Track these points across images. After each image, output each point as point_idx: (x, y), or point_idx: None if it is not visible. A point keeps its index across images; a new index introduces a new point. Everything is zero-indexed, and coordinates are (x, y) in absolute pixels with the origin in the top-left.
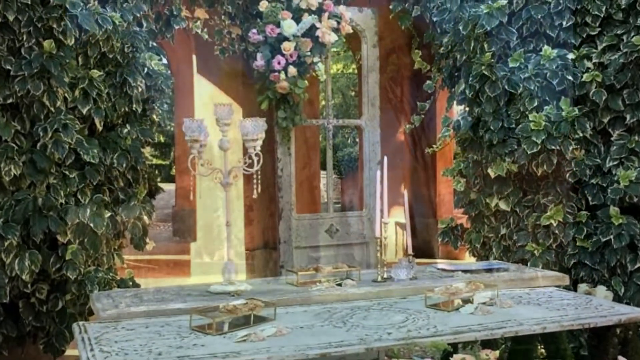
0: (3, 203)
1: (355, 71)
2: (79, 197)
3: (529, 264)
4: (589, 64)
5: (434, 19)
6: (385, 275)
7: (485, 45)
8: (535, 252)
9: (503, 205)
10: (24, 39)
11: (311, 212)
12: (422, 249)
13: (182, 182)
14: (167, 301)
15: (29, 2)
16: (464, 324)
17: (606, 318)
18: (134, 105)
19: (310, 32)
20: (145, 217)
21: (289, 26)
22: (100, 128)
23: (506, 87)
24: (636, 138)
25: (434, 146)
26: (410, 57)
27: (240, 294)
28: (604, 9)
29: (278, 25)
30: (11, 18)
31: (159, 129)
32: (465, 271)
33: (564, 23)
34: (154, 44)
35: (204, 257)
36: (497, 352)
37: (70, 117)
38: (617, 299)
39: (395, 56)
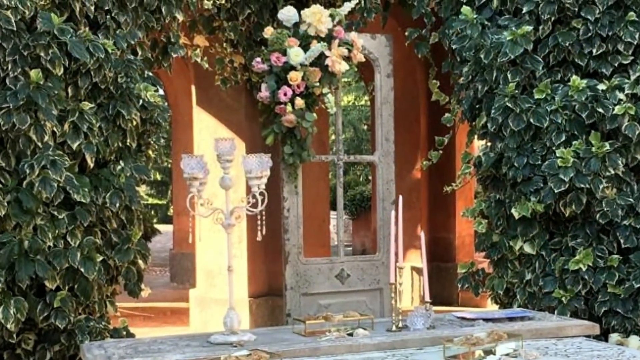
0: None
1: (368, 103)
2: (69, 239)
3: (556, 312)
4: (621, 95)
5: (453, 47)
6: (400, 325)
7: (509, 75)
8: (563, 299)
9: (528, 249)
10: (9, 68)
11: (320, 256)
12: (440, 296)
13: (180, 224)
14: (163, 352)
15: (14, 29)
16: None
17: None
18: (128, 140)
19: (319, 60)
20: (140, 262)
21: (296, 54)
22: (91, 165)
23: (531, 120)
24: None
25: (453, 184)
26: (427, 87)
27: (243, 345)
28: (637, 36)
29: (284, 53)
30: None
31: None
32: (486, 320)
33: (594, 51)
34: (150, 74)
35: (204, 304)
36: None
37: (59, 153)
38: None
39: (412, 87)
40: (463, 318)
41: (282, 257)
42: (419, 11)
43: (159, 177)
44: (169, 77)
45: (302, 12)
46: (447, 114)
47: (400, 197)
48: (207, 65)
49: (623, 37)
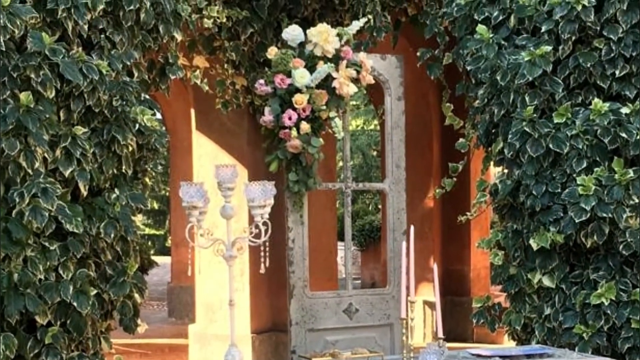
0: None
1: (378, 128)
2: (61, 272)
3: (576, 348)
4: None
5: (468, 68)
6: None
7: (527, 98)
8: (584, 335)
9: (547, 282)
10: None
11: (327, 290)
12: (454, 332)
13: (178, 255)
14: None
15: (3, 49)
16: None
17: None
18: (124, 167)
19: (326, 82)
20: (136, 295)
21: (301, 76)
22: (84, 193)
23: (551, 145)
24: None
25: (468, 214)
26: (440, 111)
27: None
28: None
29: (289, 75)
30: None
31: (152, 193)
32: (503, 357)
33: (617, 72)
34: (147, 97)
35: (204, 341)
36: None
37: (50, 181)
38: None
39: (424, 110)
40: (479, 355)
41: (287, 291)
42: (432, 30)
43: (156, 206)
44: (166, 100)
45: (307, 31)
46: (461, 139)
47: (412, 227)
48: (207, 88)
49: None
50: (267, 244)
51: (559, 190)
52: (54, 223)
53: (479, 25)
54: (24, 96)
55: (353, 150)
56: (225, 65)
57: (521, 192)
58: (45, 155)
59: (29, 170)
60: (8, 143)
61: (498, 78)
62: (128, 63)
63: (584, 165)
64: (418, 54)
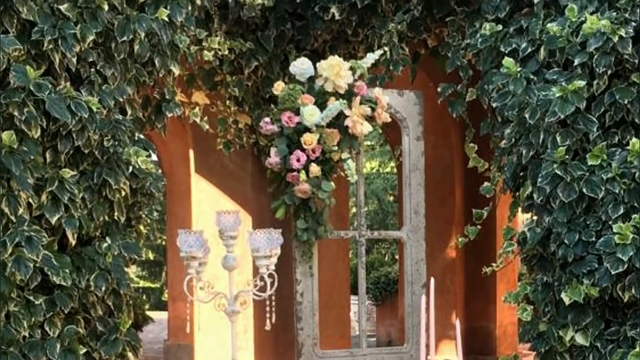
0: None
1: (395, 170)
2: (47, 328)
3: None
4: None
5: (494, 105)
6: None
7: (558, 138)
8: None
9: (580, 339)
10: None
11: (339, 348)
12: None
13: (176, 310)
14: None
15: None
16: None
17: None
18: (116, 213)
19: (338, 121)
20: (130, 354)
21: (310, 114)
22: (73, 242)
23: (584, 190)
24: None
25: (494, 265)
26: (463, 152)
27: None
28: None
29: (297, 112)
30: None
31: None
32: None
33: None
34: (141, 136)
35: None
36: None
37: (35, 229)
38: None
39: (445, 151)
40: None
41: (295, 350)
42: (454, 63)
43: (151, 256)
44: (163, 140)
45: (317, 64)
46: (486, 183)
47: (432, 280)
48: (207, 127)
49: None
50: (273, 298)
51: (594, 239)
52: (40, 275)
53: (506, 58)
54: (7, 136)
55: (367, 195)
56: (228, 102)
57: (552, 241)
58: (30, 200)
59: (12, 217)
60: None
61: (527, 116)
62: (121, 99)
63: (621, 211)
64: (439, 89)
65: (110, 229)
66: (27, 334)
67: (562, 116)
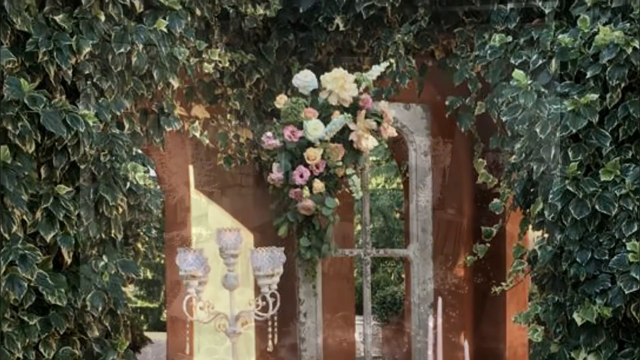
0: None
1: (401, 186)
2: (42, 350)
3: None
4: None
5: (503, 119)
6: None
7: (570, 153)
8: None
9: None
10: None
11: None
12: None
13: (175, 331)
14: None
15: None
16: None
17: None
18: (113, 231)
19: (342, 135)
20: None
21: (314, 128)
22: (68, 260)
23: (597, 207)
24: None
25: (503, 284)
26: (472, 168)
27: None
28: None
29: (300, 126)
30: None
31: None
32: None
33: None
34: (139, 151)
35: None
36: None
37: (29, 247)
38: None
39: (453, 167)
40: None
41: None
42: (462, 76)
43: (149, 275)
44: (162, 155)
45: (321, 77)
46: (495, 200)
47: (440, 300)
48: (207, 141)
49: None
50: (275, 318)
51: (607, 257)
52: (34, 294)
53: (516, 70)
54: (0, 151)
55: (373, 212)
56: (228, 116)
57: (563, 260)
58: (24, 217)
59: (6, 235)
60: None
61: (537, 130)
62: (118, 113)
63: (635, 229)
64: (447, 102)
65: (107, 247)
66: (21, 356)
67: (574, 130)
